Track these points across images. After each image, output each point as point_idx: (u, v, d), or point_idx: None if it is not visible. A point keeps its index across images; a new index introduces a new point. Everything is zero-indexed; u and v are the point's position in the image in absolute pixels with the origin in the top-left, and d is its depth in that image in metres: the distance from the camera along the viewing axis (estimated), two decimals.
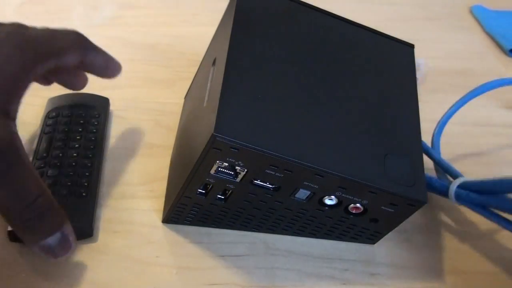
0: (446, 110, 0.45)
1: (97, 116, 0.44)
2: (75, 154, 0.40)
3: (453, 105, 0.45)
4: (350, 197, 0.32)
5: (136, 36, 0.57)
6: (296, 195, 0.33)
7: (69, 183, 0.37)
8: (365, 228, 0.36)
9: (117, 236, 0.37)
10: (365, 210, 0.34)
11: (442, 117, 0.44)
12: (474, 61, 0.60)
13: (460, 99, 0.45)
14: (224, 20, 0.38)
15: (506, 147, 0.48)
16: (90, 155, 0.40)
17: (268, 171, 0.31)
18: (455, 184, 0.37)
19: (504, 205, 0.35)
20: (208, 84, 0.35)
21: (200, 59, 0.44)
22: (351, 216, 0.34)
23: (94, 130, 0.42)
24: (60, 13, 0.59)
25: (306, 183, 0.31)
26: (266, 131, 0.30)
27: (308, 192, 0.32)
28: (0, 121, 0.27)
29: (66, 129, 0.42)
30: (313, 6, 0.38)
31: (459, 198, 0.37)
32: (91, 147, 0.41)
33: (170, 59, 0.54)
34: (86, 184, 0.38)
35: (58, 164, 0.38)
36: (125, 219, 0.38)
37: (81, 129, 0.42)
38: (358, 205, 0.33)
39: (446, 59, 0.59)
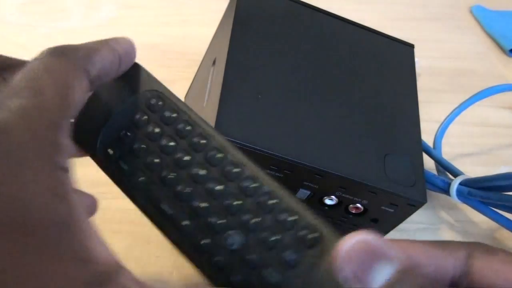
0: (446, 110, 0.45)
1: None
2: None
3: (456, 108, 0.45)
4: (350, 197, 0.32)
5: (136, 36, 0.57)
6: (296, 195, 0.33)
7: None
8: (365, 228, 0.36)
9: (117, 236, 0.37)
10: (365, 210, 0.34)
11: (444, 120, 0.45)
12: (474, 61, 0.60)
13: (463, 102, 0.45)
14: (224, 20, 0.38)
15: (506, 147, 0.48)
16: None
17: (268, 171, 0.31)
18: (456, 181, 0.37)
19: (505, 202, 0.35)
20: (208, 84, 0.35)
21: (200, 59, 0.44)
22: (351, 216, 0.34)
23: None
24: (60, 13, 0.59)
25: (306, 183, 0.31)
26: (266, 131, 0.30)
27: (308, 192, 0.32)
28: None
29: None
30: (313, 6, 0.38)
31: (460, 195, 0.37)
32: None
33: (170, 59, 0.54)
34: None
35: None
36: (125, 219, 0.38)
37: None
38: (358, 205, 0.33)
39: (446, 59, 0.59)
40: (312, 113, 0.32)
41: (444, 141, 0.44)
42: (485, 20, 0.66)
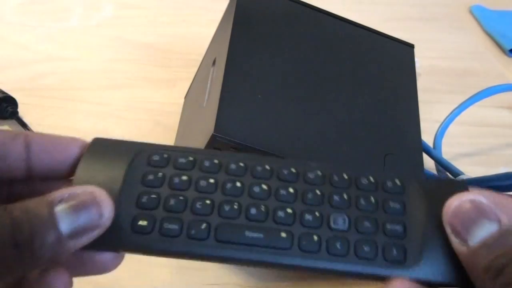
0: (446, 110, 0.45)
1: None
2: None
3: (456, 108, 0.45)
4: None
5: (136, 36, 0.57)
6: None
7: None
8: None
9: None
10: None
11: (444, 120, 0.44)
12: (474, 61, 0.60)
13: (463, 102, 0.45)
14: (224, 20, 0.38)
15: (506, 147, 0.48)
16: None
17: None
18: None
19: None
20: (208, 84, 0.35)
21: (200, 59, 0.44)
22: None
23: None
24: (60, 13, 0.59)
25: None
26: (266, 130, 0.30)
27: None
28: None
29: None
30: (313, 6, 0.38)
31: None
32: None
33: (170, 59, 0.54)
34: None
35: None
36: None
37: None
38: None
39: (446, 59, 0.59)
40: (312, 113, 0.32)
41: (444, 141, 0.44)
42: (484, 20, 0.66)
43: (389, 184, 0.22)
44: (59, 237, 0.18)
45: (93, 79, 0.51)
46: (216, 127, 0.28)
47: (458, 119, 0.45)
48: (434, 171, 0.42)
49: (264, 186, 0.22)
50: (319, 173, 0.22)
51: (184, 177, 0.22)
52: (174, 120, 0.46)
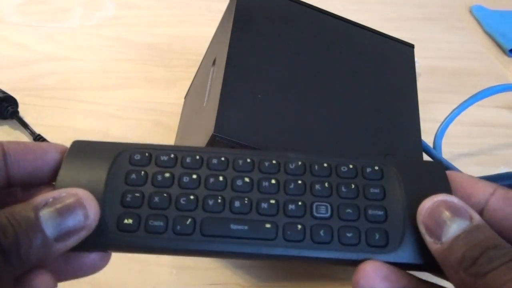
0: (446, 110, 0.45)
1: None
2: None
3: (456, 108, 0.45)
4: None
5: (136, 36, 0.57)
6: None
7: None
8: None
9: None
10: None
11: (444, 120, 0.44)
12: (474, 61, 0.60)
13: (463, 102, 0.45)
14: (224, 20, 0.38)
15: (506, 147, 0.48)
16: None
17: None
18: None
19: None
20: (208, 84, 0.35)
21: (200, 59, 0.44)
22: None
23: None
24: (60, 13, 0.59)
25: None
26: (266, 130, 0.30)
27: None
28: None
29: None
30: (313, 6, 0.38)
31: None
32: None
33: (170, 59, 0.54)
34: None
35: None
36: None
37: None
38: None
39: (446, 59, 0.59)
40: (312, 113, 0.32)
41: (444, 141, 0.44)
42: (485, 20, 0.66)
43: (368, 170, 0.23)
44: (45, 240, 0.18)
45: (93, 79, 0.51)
46: (216, 127, 0.28)
47: (458, 119, 0.45)
48: None
49: (246, 179, 0.22)
50: (299, 163, 0.23)
51: (167, 174, 0.22)
52: (174, 120, 0.46)
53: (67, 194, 0.20)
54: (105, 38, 0.56)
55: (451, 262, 0.19)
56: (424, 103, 0.40)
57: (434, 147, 0.43)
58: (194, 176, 0.22)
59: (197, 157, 0.23)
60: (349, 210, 0.22)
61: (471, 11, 0.69)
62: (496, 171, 0.36)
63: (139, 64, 0.53)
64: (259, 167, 0.23)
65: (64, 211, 0.19)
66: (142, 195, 0.22)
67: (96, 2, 0.61)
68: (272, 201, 0.22)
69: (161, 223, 0.21)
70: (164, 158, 0.23)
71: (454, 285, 0.19)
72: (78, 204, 0.19)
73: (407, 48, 0.40)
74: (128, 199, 0.22)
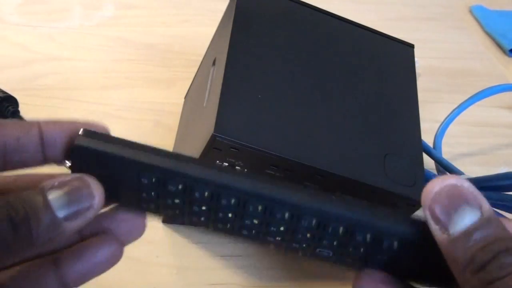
0: (446, 110, 0.45)
1: None
2: None
3: (456, 108, 0.45)
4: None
5: (136, 36, 0.57)
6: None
7: None
8: None
9: None
10: None
11: (444, 120, 0.45)
12: (474, 61, 0.60)
13: (463, 102, 0.45)
14: (224, 20, 0.38)
15: (506, 147, 0.48)
16: None
17: (268, 171, 0.31)
18: None
19: (505, 202, 0.35)
20: (208, 84, 0.35)
21: (200, 59, 0.44)
22: None
23: None
24: (60, 13, 0.59)
25: (306, 183, 0.31)
26: (266, 131, 0.30)
27: None
28: None
29: None
30: (313, 6, 0.38)
31: None
32: None
33: (170, 59, 0.54)
34: None
35: None
36: None
37: None
38: None
39: (446, 59, 0.59)
40: (312, 113, 0.32)
41: (444, 141, 0.44)
42: (485, 20, 0.66)
43: (386, 244, 0.20)
44: (54, 220, 0.19)
45: (93, 79, 0.51)
46: (216, 127, 0.28)
47: (458, 119, 0.45)
48: (434, 171, 0.42)
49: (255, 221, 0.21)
50: (313, 221, 0.20)
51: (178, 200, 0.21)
52: (174, 120, 0.46)
53: (72, 177, 0.20)
54: (105, 38, 0.56)
55: (457, 259, 0.18)
56: (424, 103, 0.40)
57: (434, 147, 0.43)
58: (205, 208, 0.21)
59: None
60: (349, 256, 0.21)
61: (471, 11, 0.69)
62: (496, 171, 0.36)
63: (139, 64, 0.53)
64: (268, 216, 0.20)
65: (71, 193, 0.20)
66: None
67: (96, 2, 0.61)
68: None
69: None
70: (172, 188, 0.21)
71: (457, 278, 0.18)
72: (84, 186, 0.20)
73: (407, 48, 0.40)
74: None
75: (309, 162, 0.30)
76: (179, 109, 0.47)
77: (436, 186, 0.19)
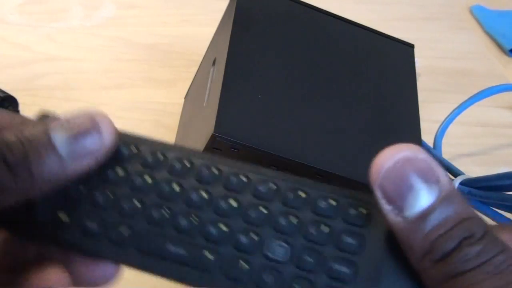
0: (446, 110, 0.45)
1: None
2: None
3: (456, 108, 0.45)
4: None
5: (136, 36, 0.57)
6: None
7: None
8: None
9: None
10: None
11: (444, 120, 0.45)
12: (474, 61, 0.60)
13: (463, 102, 0.45)
14: (224, 20, 0.38)
15: (506, 147, 0.48)
16: None
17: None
18: (457, 181, 0.37)
19: (505, 202, 0.35)
20: (208, 84, 0.35)
21: (200, 59, 0.44)
22: None
23: None
24: (60, 13, 0.59)
25: None
26: (266, 130, 0.30)
27: None
28: None
29: None
30: (313, 6, 0.38)
31: None
32: None
33: (170, 59, 0.54)
34: None
35: None
36: None
37: None
38: None
39: (446, 59, 0.59)
40: (312, 113, 0.32)
41: (444, 141, 0.44)
42: (485, 19, 0.66)
43: (352, 212, 0.18)
44: (59, 158, 0.17)
45: (93, 79, 0.51)
46: (216, 127, 0.28)
47: (458, 119, 0.45)
48: None
49: (204, 194, 0.18)
50: (271, 186, 0.18)
51: (120, 172, 0.19)
52: (174, 120, 0.46)
53: (80, 114, 0.19)
54: (105, 38, 0.56)
55: (413, 247, 0.16)
56: (424, 103, 0.40)
57: (434, 147, 0.43)
58: (148, 179, 0.19)
59: (160, 155, 0.19)
60: (310, 259, 0.17)
61: (471, 11, 0.69)
62: (496, 171, 0.36)
63: (139, 64, 0.53)
64: (224, 181, 0.18)
65: (78, 132, 0.18)
66: (88, 187, 0.19)
67: (96, 2, 0.61)
68: (223, 227, 0.18)
69: (95, 225, 0.18)
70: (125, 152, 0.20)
71: (414, 266, 0.16)
72: (93, 124, 0.19)
73: (407, 48, 0.40)
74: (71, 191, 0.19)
75: (309, 162, 0.30)
76: (179, 109, 0.47)
77: (387, 160, 0.16)
